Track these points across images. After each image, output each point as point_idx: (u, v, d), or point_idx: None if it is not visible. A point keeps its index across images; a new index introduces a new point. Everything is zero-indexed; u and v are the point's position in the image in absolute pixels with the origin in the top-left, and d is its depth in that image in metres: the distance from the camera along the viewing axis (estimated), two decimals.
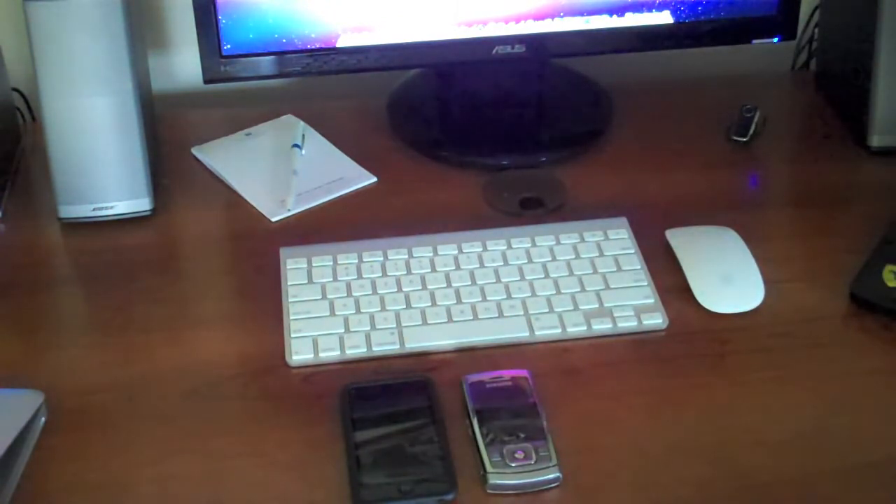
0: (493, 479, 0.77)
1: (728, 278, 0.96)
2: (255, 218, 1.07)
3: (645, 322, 0.92)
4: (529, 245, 1.00)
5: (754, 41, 1.17)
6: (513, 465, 0.78)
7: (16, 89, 1.21)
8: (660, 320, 0.92)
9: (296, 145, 1.16)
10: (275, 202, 1.08)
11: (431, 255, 0.99)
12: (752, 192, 1.12)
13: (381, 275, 0.97)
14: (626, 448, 0.81)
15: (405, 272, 0.97)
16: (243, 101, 1.28)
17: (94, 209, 1.04)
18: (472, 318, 0.92)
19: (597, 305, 0.93)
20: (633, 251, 1.00)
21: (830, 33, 1.25)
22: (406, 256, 0.98)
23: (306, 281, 0.96)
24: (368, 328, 0.91)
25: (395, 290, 0.95)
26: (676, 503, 0.78)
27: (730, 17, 1.15)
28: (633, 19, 1.13)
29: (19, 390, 0.84)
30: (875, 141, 1.15)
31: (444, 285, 0.95)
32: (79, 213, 1.04)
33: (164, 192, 1.09)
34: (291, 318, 0.92)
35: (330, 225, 1.06)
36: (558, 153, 1.16)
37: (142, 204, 1.05)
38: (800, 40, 1.31)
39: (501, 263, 0.98)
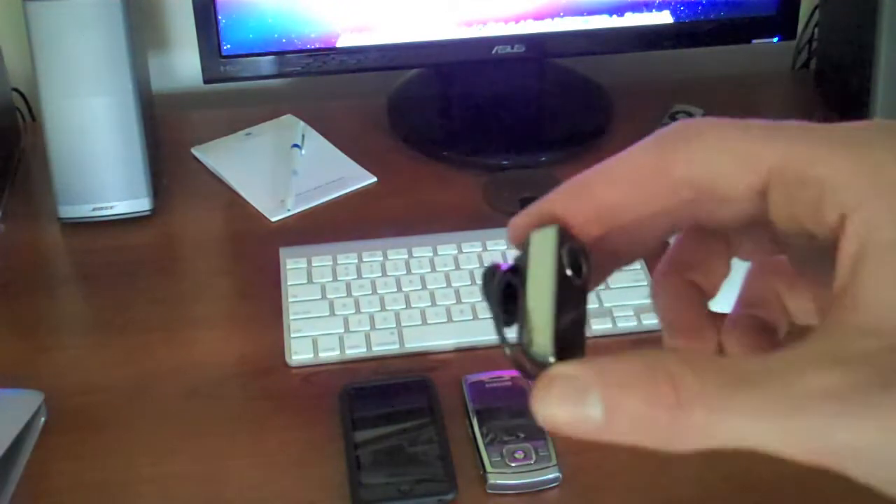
0: (493, 479, 0.77)
1: (728, 278, 0.96)
2: (255, 218, 1.07)
3: (644, 322, 0.92)
4: None
5: (754, 41, 1.17)
6: (513, 465, 0.78)
7: (16, 89, 1.21)
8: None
9: (296, 145, 1.16)
10: (275, 202, 1.08)
11: (431, 255, 0.99)
12: None
13: (380, 275, 0.97)
14: (625, 448, 0.81)
15: (405, 272, 0.97)
16: (243, 101, 1.28)
17: (93, 209, 1.04)
18: (471, 318, 0.92)
19: (596, 305, 0.93)
20: None
21: (830, 33, 1.25)
22: (406, 256, 0.98)
23: (306, 281, 0.96)
24: (368, 328, 0.91)
25: (395, 290, 0.95)
26: (676, 503, 0.78)
27: (730, 17, 1.15)
28: (633, 19, 1.13)
29: (19, 390, 0.84)
30: None
31: (444, 285, 0.95)
32: (79, 213, 1.04)
33: (164, 192, 1.09)
34: (291, 318, 0.92)
35: (330, 225, 1.06)
36: (558, 153, 1.16)
37: (142, 204, 1.05)
38: (800, 40, 1.31)
39: None
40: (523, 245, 0.33)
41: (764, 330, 0.37)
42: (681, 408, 0.27)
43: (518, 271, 0.32)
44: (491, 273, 0.33)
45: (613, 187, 0.32)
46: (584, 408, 0.28)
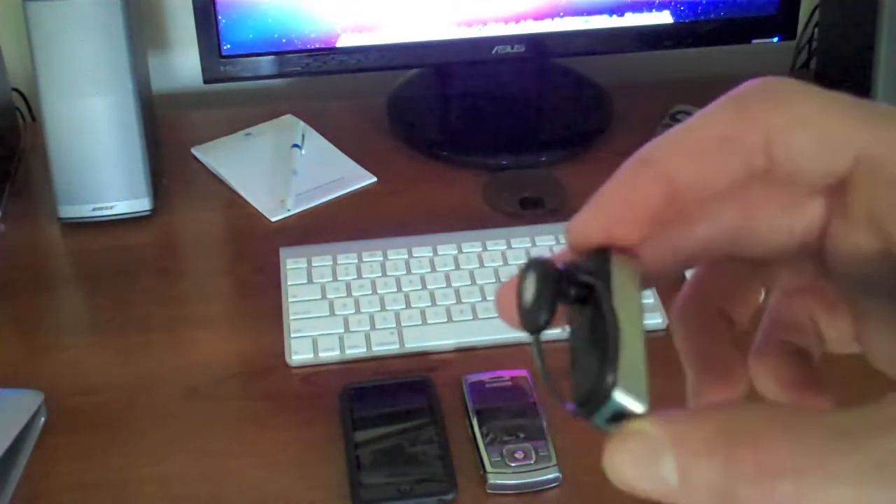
0: (493, 479, 0.77)
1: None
2: (254, 218, 1.07)
3: (645, 322, 0.92)
4: (529, 245, 1.00)
5: (754, 41, 1.17)
6: (513, 464, 0.78)
7: (16, 89, 1.21)
8: (659, 320, 0.92)
9: (295, 145, 1.16)
10: (274, 202, 1.08)
11: (431, 255, 0.99)
12: None
13: (380, 275, 0.97)
14: None
15: (405, 272, 0.97)
16: (243, 101, 1.28)
17: (94, 209, 1.04)
18: (471, 318, 0.92)
19: None
20: None
21: (830, 33, 1.25)
22: (406, 256, 0.98)
23: (306, 281, 0.96)
24: (368, 328, 0.91)
25: (395, 290, 0.95)
26: None
27: (730, 17, 1.15)
28: (633, 19, 1.13)
29: (19, 390, 0.84)
30: None
31: (444, 285, 0.95)
32: (79, 213, 1.04)
33: (164, 192, 1.09)
34: (291, 318, 0.92)
35: (330, 225, 1.06)
36: (558, 153, 1.16)
37: (142, 204, 1.05)
38: (800, 40, 1.31)
39: (501, 263, 0.98)
40: (595, 262, 0.28)
41: (798, 357, 0.33)
42: (765, 477, 0.23)
43: (594, 292, 0.28)
44: (555, 277, 0.28)
45: (684, 159, 0.28)
46: (658, 470, 0.25)
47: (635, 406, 0.26)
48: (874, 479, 0.22)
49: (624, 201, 0.28)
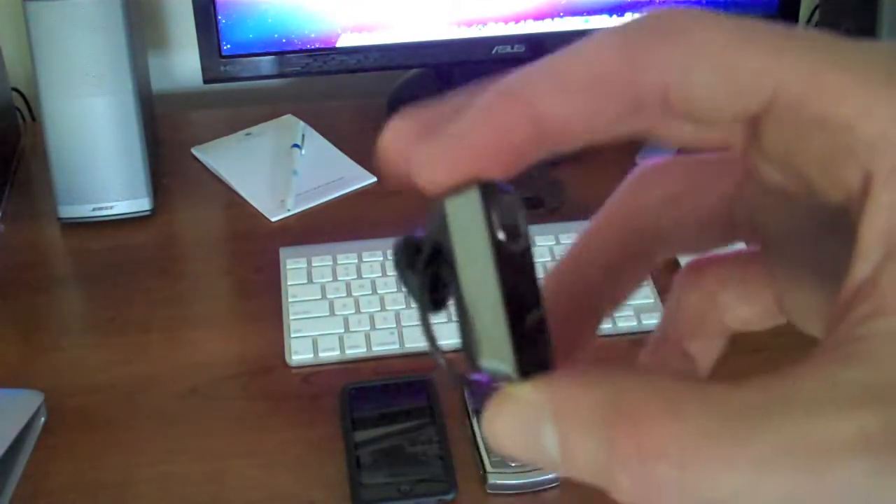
0: (493, 479, 0.77)
1: None
2: (254, 218, 1.07)
3: (644, 322, 0.92)
4: None
5: None
6: (513, 464, 0.78)
7: (16, 89, 1.21)
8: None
9: (296, 145, 1.16)
10: (275, 202, 1.08)
11: None
12: None
13: (380, 275, 0.97)
14: None
15: None
16: (243, 101, 1.28)
17: (93, 209, 1.04)
18: None
19: None
20: None
21: (830, 33, 1.25)
22: None
23: (306, 281, 0.96)
24: (368, 328, 0.91)
25: (395, 290, 0.95)
26: None
27: None
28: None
29: (19, 390, 0.84)
30: None
31: None
32: (79, 213, 1.04)
33: (164, 192, 1.09)
34: (291, 318, 0.92)
35: (330, 225, 1.06)
36: (558, 153, 1.16)
37: (142, 204, 1.05)
38: None
39: None
40: (437, 210, 0.26)
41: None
42: (645, 461, 0.20)
43: (442, 252, 0.25)
44: (407, 250, 0.26)
45: (558, 96, 0.23)
46: (538, 439, 0.21)
47: (503, 372, 0.23)
48: (776, 472, 0.19)
49: (478, 138, 0.24)
